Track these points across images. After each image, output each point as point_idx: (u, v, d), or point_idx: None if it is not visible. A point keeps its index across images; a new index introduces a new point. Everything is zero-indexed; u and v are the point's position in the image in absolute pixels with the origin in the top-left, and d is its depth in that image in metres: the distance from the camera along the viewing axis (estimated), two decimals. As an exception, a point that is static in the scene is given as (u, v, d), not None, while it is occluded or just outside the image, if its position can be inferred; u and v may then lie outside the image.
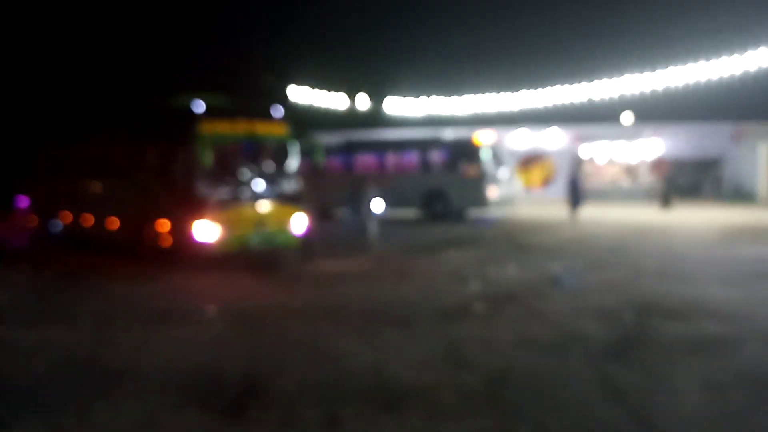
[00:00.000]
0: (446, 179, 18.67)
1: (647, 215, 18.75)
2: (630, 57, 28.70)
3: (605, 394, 4.67)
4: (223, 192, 10.33)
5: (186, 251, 10.43)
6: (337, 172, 20.50)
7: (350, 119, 34.61)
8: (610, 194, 25.22)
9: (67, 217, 13.70)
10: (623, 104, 29.22)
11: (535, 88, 30.23)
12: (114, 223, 11.97)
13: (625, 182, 25.95)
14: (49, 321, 7.10)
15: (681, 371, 5.15)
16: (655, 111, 28.29)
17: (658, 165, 25.38)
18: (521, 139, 27.82)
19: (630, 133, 27.04)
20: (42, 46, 30.69)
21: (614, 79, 27.05)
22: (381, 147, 20.68)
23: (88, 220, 12.88)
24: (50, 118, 14.98)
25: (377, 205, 12.58)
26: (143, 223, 11.08)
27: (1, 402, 4.72)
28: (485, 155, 18.51)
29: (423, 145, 19.77)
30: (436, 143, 19.74)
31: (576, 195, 17.30)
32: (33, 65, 29.90)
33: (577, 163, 19.49)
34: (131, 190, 11.49)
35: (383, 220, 13.13)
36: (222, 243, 10.20)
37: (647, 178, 25.51)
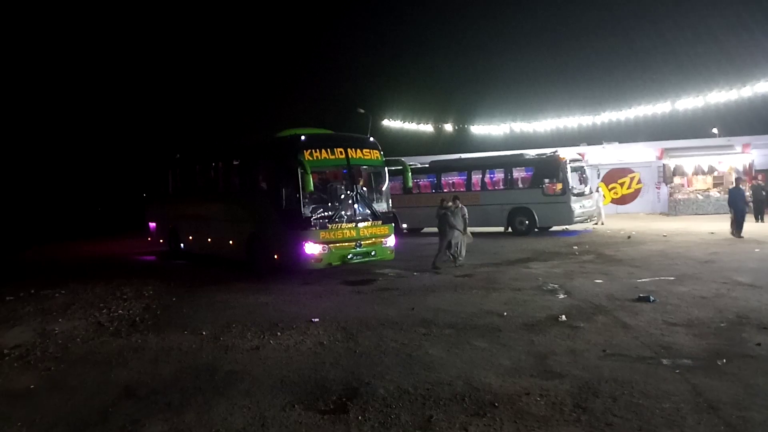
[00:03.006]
0: (531, 197, 18.23)
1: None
2: (718, 71, 27.10)
3: (697, 406, 4.36)
4: (325, 212, 10.68)
5: (293, 266, 10.87)
6: (426, 192, 20.56)
7: (437, 143, 34.93)
8: (701, 206, 23.69)
9: (189, 237, 14.56)
10: (712, 118, 27.52)
11: (621, 105, 29.09)
12: (230, 241, 12.60)
13: (716, 194, 24.19)
14: (174, 328, 7.57)
15: (779, 385, 4.73)
16: (744, 124, 26.44)
17: (750, 177, 23.60)
18: (607, 155, 26.70)
19: (720, 146, 25.33)
20: (172, 91, 33.62)
21: (702, 95, 25.57)
22: (466, 167, 20.45)
23: (208, 239, 13.63)
24: (174, 154, 16.03)
25: (464, 222, 12.49)
26: (256, 241, 11.63)
27: (132, 400, 5.05)
28: (570, 172, 17.94)
29: (507, 165, 19.35)
30: (520, 162, 19.30)
31: (741, 208, 15.26)
32: (153, 110, 32.65)
33: (738, 178, 17.71)
34: (245, 212, 12.10)
35: (470, 235, 12.98)
36: (324, 258, 10.54)
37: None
